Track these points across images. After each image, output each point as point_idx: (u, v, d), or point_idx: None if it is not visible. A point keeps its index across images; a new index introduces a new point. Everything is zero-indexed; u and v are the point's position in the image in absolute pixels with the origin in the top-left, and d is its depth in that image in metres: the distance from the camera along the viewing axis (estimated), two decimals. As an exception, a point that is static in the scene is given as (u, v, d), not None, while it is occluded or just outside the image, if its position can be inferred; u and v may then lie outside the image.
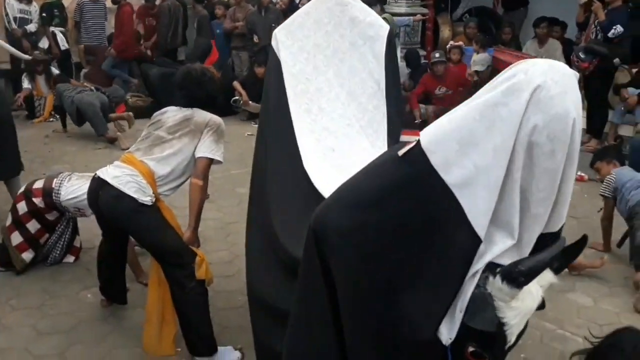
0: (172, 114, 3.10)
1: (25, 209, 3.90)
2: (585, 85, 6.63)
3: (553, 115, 1.62)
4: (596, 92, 6.45)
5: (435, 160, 1.70)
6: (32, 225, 3.94)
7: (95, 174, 3.08)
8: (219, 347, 3.09)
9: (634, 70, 6.59)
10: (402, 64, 7.75)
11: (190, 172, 3.06)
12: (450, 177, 1.68)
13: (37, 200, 3.86)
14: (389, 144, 2.88)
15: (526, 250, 1.78)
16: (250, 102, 7.96)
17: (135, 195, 2.87)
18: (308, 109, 2.91)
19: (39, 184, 3.91)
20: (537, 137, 1.63)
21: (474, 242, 1.70)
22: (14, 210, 3.97)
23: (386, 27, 3.07)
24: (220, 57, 9.10)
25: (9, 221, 3.99)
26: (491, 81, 1.75)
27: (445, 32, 8.77)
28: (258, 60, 7.94)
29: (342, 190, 1.95)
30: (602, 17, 6.29)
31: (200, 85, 3.09)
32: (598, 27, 6.25)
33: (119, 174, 2.92)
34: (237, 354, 3.14)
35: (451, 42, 7.80)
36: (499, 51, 7.92)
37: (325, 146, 2.86)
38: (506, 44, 8.33)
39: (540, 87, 1.62)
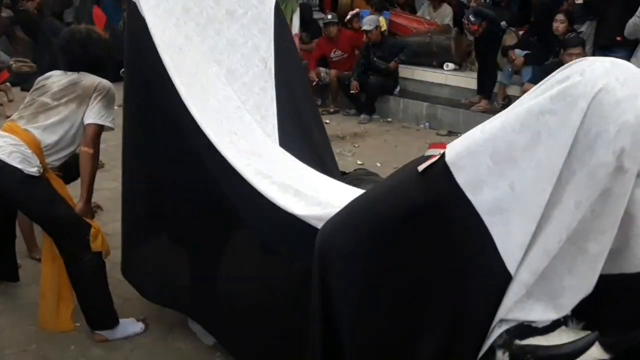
0: (56, 78, 2.92)
1: None
2: (477, 46, 6.91)
3: (621, 125, 1.28)
4: (485, 54, 6.72)
5: (462, 178, 1.43)
6: None
7: None
8: (120, 320, 3.01)
9: (521, 33, 6.92)
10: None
11: (81, 140, 2.92)
12: (480, 199, 1.41)
13: None
14: (281, 134, 2.60)
15: (565, 303, 1.45)
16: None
17: (20, 166, 2.70)
18: (189, 85, 2.46)
19: None
20: (599, 152, 1.29)
21: (502, 277, 1.40)
22: None
23: None
24: (111, 20, 8.66)
25: None
26: (539, 85, 1.46)
27: (344, -5, 8.79)
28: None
29: (351, 212, 1.72)
30: None
31: (85, 48, 2.92)
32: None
33: (1, 144, 2.73)
34: (140, 325, 3.07)
35: (350, 13, 7.81)
36: (395, 14, 8.07)
37: (226, 128, 2.46)
38: (402, 7, 8.49)
39: (603, 90, 1.29)
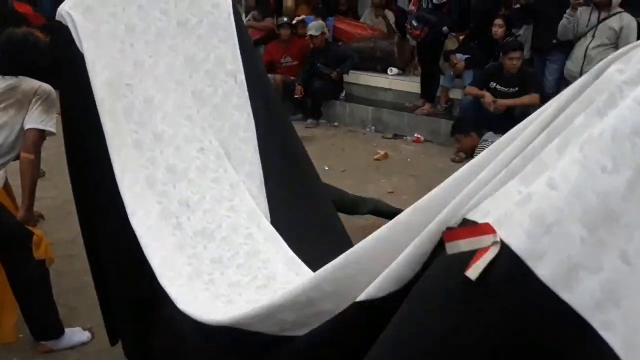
0: None
1: None
2: (419, 51, 7.06)
3: None
4: (428, 58, 6.87)
5: (546, 271, 0.90)
6: None
7: None
8: (66, 329, 2.94)
9: (461, 37, 7.11)
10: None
11: (21, 146, 2.83)
12: (580, 294, 0.89)
13: None
14: (262, 156, 2.31)
15: None
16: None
17: (-44, 174, 2.61)
18: (138, 141, 2.14)
19: None
20: None
21: None
22: None
23: None
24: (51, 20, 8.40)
25: None
26: (561, 97, 1.05)
27: (288, 0, 8.85)
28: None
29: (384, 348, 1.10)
30: None
31: (22, 52, 2.84)
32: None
33: None
34: (87, 334, 3.01)
35: (297, 18, 7.86)
36: (338, 20, 8.17)
37: (171, 203, 2.12)
38: (345, 14, 8.60)
39: None
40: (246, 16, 8.08)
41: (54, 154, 5.10)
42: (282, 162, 2.45)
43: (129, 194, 2.06)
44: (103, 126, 2.09)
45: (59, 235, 3.96)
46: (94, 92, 2.11)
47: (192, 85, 2.28)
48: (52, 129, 2.86)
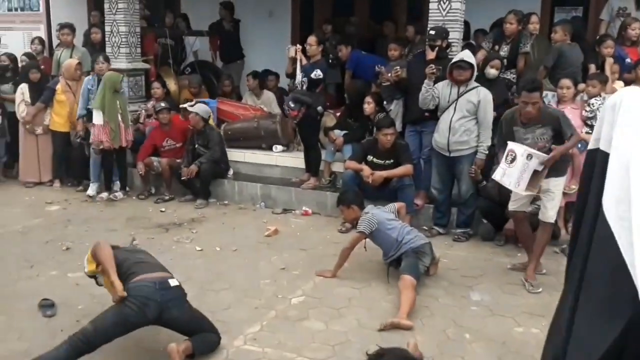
0: None
1: None
2: (299, 129, 7.40)
3: None
4: (308, 135, 7.22)
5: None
6: None
7: None
8: None
9: (337, 114, 7.55)
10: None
11: None
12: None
13: None
14: None
15: None
16: None
17: None
18: None
19: None
20: None
21: None
22: None
23: None
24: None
25: None
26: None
27: (171, 85, 8.98)
28: None
29: None
30: (305, 61, 7.10)
31: None
32: (303, 79, 7.02)
33: None
34: None
35: (187, 104, 7.89)
36: (221, 102, 8.41)
37: None
38: (227, 95, 8.87)
39: None
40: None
41: None
42: None
43: None
44: None
45: None
46: None
47: None
48: None
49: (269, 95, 8.57)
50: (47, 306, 4.34)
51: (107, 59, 7.63)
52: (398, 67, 6.63)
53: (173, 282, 3.63)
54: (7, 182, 8.18)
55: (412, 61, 6.86)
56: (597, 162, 1.98)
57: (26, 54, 8.79)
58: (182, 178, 7.33)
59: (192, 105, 7.64)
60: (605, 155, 1.92)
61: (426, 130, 6.46)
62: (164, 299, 3.47)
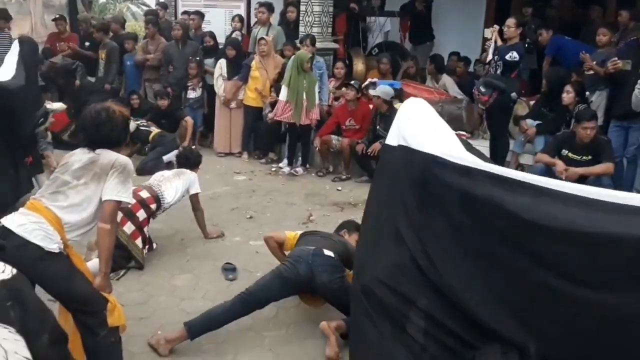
0: (78, 156, 3.01)
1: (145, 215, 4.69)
2: (488, 116, 7.02)
3: None
4: (497, 123, 6.82)
5: None
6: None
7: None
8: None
9: (531, 102, 7.05)
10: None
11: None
12: None
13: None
14: None
15: None
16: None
17: (41, 244, 2.76)
18: None
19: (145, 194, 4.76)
20: None
21: None
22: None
23: None
24: (130, 90, 8.90)
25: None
26: None
27: (358, 65, 9.03)
28: (160, 94, 8.23)
29: None
30: (500, 42, 6.69)
31: (97, 127, 2.99)
32: (498, 62, 6.63)
33: (24, 222, 2.81)
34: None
35: (369, 80, 7.97)
36: (405, 84, 8.25)
37: None
38: (411, 77, 8.69)
39: None
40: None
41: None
42: None
43: None
44: None
45: (131, 297, 4.10)
46: None
47: None
48: (128, 200, 2.99)
49: (446, 80, 8.25)
50: (229, 270, 4.58)
51: (313, 42, 7.83)
52: (616, 59, 5.98)
53: (327, 252, 3.78)
54: (202, 150, 8.77)
55: (624, 50, 6.17)
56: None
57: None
58: (368, 152, 7.21)
59: (370, 86, 7.60)
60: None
61: (634, 127, 5.78)
62: (314, 262, 3.69)
